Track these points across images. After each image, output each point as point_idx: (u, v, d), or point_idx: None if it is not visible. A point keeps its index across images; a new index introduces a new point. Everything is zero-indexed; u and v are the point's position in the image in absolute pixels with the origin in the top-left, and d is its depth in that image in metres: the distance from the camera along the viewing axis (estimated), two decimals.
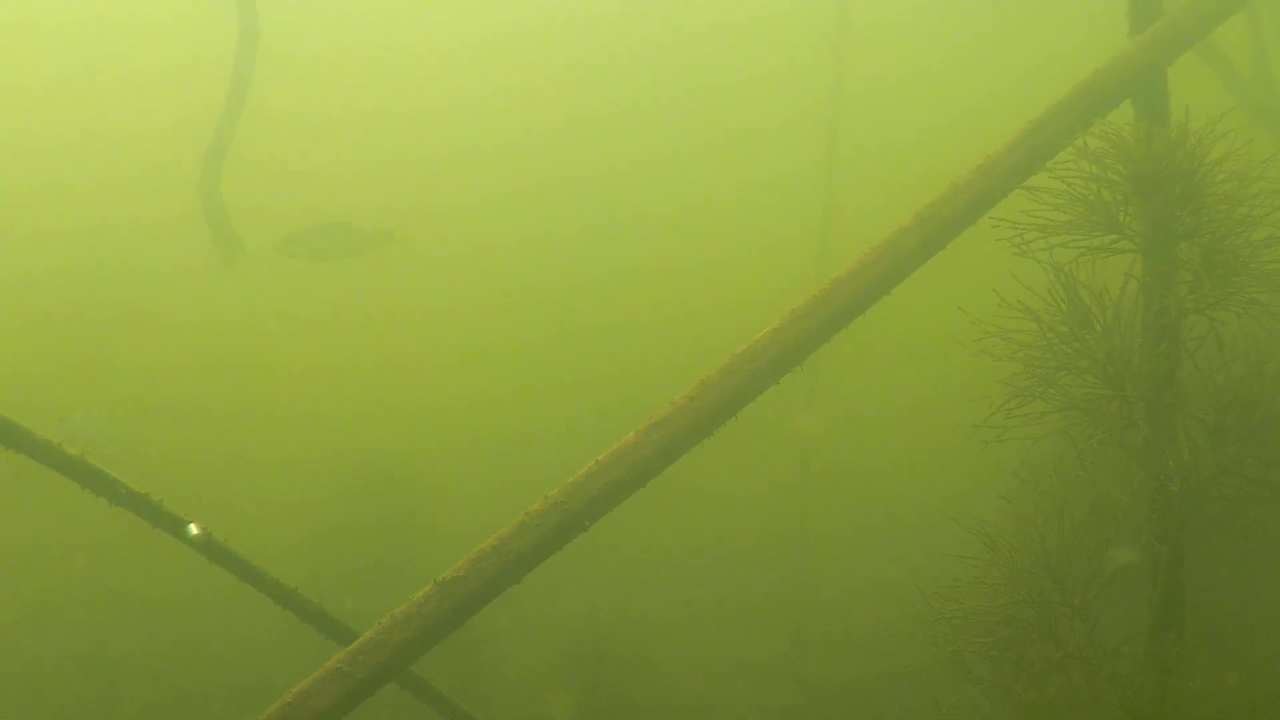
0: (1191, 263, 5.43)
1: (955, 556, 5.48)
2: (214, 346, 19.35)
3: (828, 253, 13.57)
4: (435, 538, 13.35)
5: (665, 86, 21.87)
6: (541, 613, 13.01)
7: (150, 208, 19.40)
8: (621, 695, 12.03)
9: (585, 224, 21.39)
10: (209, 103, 13.21)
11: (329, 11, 22.20)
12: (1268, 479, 5.30)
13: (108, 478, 5.33)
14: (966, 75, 19.56)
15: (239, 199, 13.45)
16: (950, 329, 5.77)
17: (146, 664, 13.16)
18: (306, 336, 20.10)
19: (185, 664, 13.11)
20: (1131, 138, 5.51)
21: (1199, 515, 5.32)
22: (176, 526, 5.42)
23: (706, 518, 15.95)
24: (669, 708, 12.15)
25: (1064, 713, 5.19)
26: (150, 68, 20.94)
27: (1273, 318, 5.30)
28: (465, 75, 22.62)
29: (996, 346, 5.48)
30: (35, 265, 19.59)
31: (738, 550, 15.52)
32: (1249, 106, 10.11)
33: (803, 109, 16.27)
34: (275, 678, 4.56)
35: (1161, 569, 5.34)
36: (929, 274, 5.60)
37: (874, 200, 12.72)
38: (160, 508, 5.37)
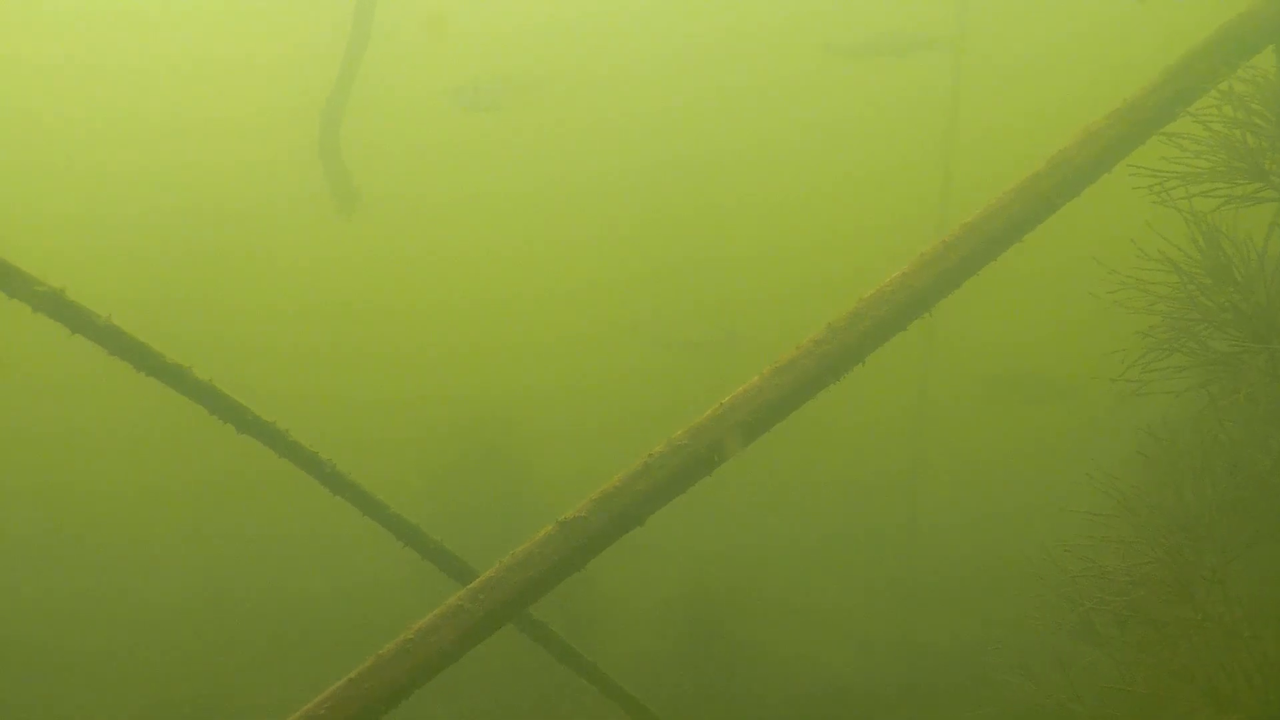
0: None
1: (1086, 513, 5.35)
2: (326, 288, 19.59)
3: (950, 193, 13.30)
4: (538, 480, 13.45)
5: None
6: (652, 555, 13.03)
7: (269, 149, 19.58)
8: (724, 640, 12.07)
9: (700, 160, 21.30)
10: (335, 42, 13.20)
11: None
12: None
13: (235, 403, 5.27)
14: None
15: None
16: (1084, 279, 5.60)
17: (271, 602, 13.44)
18: (420, 279, 20.26)
19: (309, 602, 13.37)
20: (1278, 81, 5.26)
21: None
22: (302, 456, 5.40)
23: (818, 457, 15.85)
24: (772, 658, 12.12)
25: (1197, 677, 5.03)
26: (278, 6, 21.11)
27: None
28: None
29: (1133, 298, 5.30)
30: (155, 201, 19.87)
31: (849, 490, 15.44)
32: None
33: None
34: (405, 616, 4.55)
35: None
36: (1061, 222, 5.42)
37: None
38: (286, 436, 5.36)
